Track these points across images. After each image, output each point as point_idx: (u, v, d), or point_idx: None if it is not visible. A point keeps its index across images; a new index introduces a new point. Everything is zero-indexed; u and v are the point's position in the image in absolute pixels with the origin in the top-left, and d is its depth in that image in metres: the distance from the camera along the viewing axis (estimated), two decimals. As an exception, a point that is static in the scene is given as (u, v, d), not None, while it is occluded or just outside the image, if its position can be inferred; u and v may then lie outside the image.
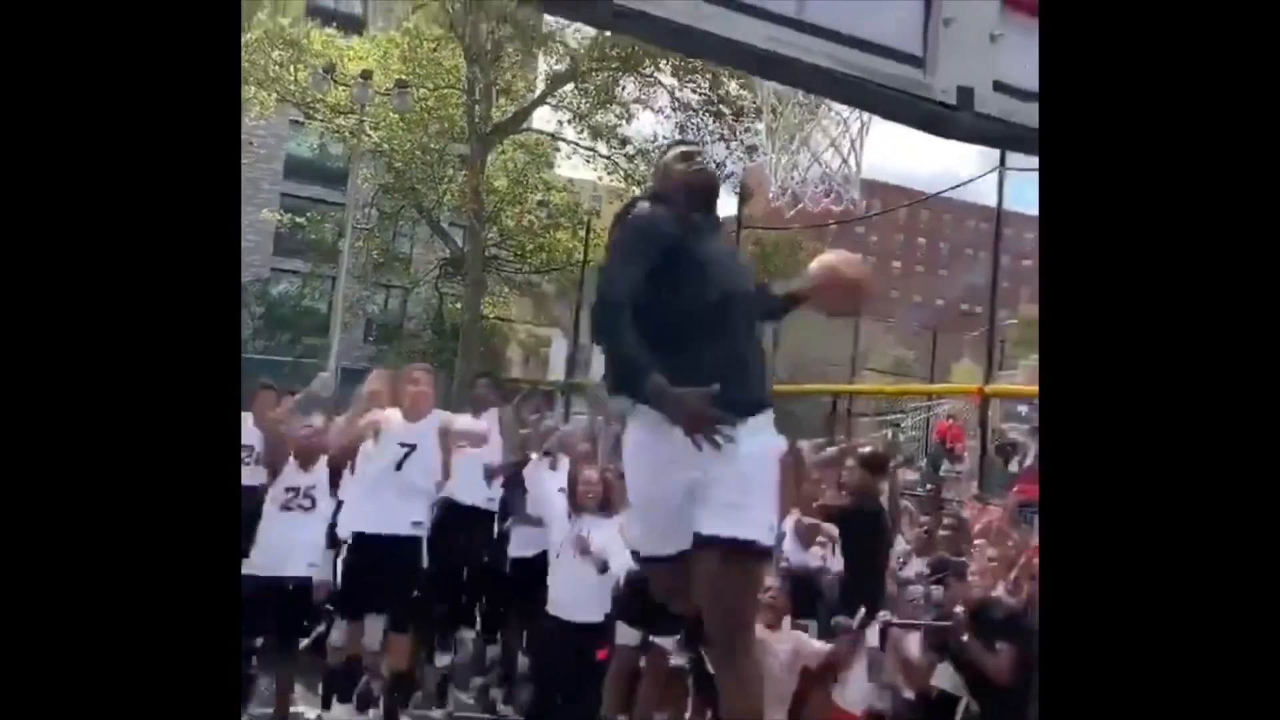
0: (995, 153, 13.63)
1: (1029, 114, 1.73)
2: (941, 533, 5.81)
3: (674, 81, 20.89)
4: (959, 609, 4.62)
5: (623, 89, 21.65)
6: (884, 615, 4.94)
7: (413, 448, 5.67)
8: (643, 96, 21.64)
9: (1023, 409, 17.81)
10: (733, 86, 19.43)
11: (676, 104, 21.19)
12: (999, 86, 1.70)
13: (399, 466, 5.63)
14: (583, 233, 22.10)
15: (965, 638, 4.51)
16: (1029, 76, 1.70)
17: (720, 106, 20.39)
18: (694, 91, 20.86)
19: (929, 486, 11.38)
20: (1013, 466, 15.04)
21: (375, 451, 5.73)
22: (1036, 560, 4.51)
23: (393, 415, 5.79)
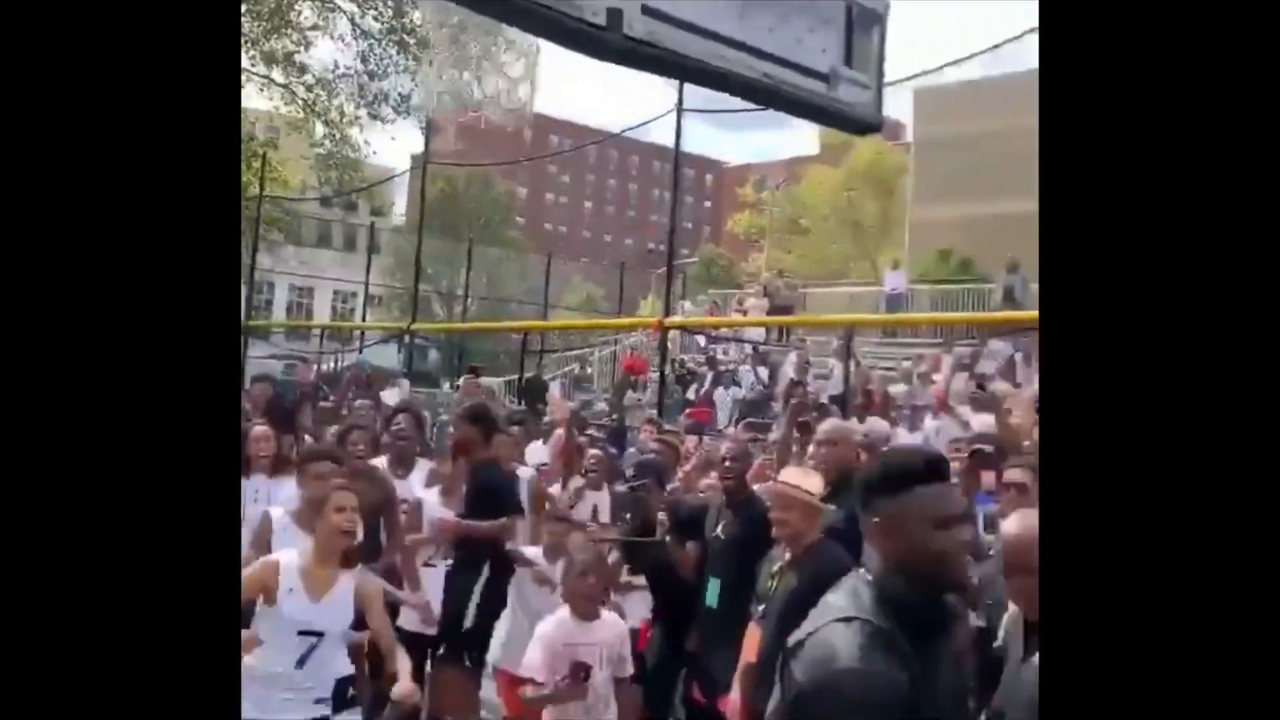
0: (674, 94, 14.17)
1: (675, 39, 1.84)
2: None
3: (354, 8, 20.09)
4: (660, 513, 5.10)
5: (299, 14, 20.56)
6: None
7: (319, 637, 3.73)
8: (321, 22, 20.65)
9: (700, 340, 18.84)
10: (416, 16, 18.93)
11: (358, 32, 20.40)
12: (647, 10, 1.81)
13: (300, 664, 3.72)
14: (257, 165, 20.90)
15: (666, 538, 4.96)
16: (674, 2, 1.81)
17: (404, 36, 19.82)
18: (376, 19, 20.16)
19: (614, 416, 11.85)
20: (690, 393, 15.98)
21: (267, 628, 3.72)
22: (725, 465, 4.96)
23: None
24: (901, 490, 2.01)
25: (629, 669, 4.39)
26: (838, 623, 1.90)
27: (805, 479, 4.15)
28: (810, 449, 5.27)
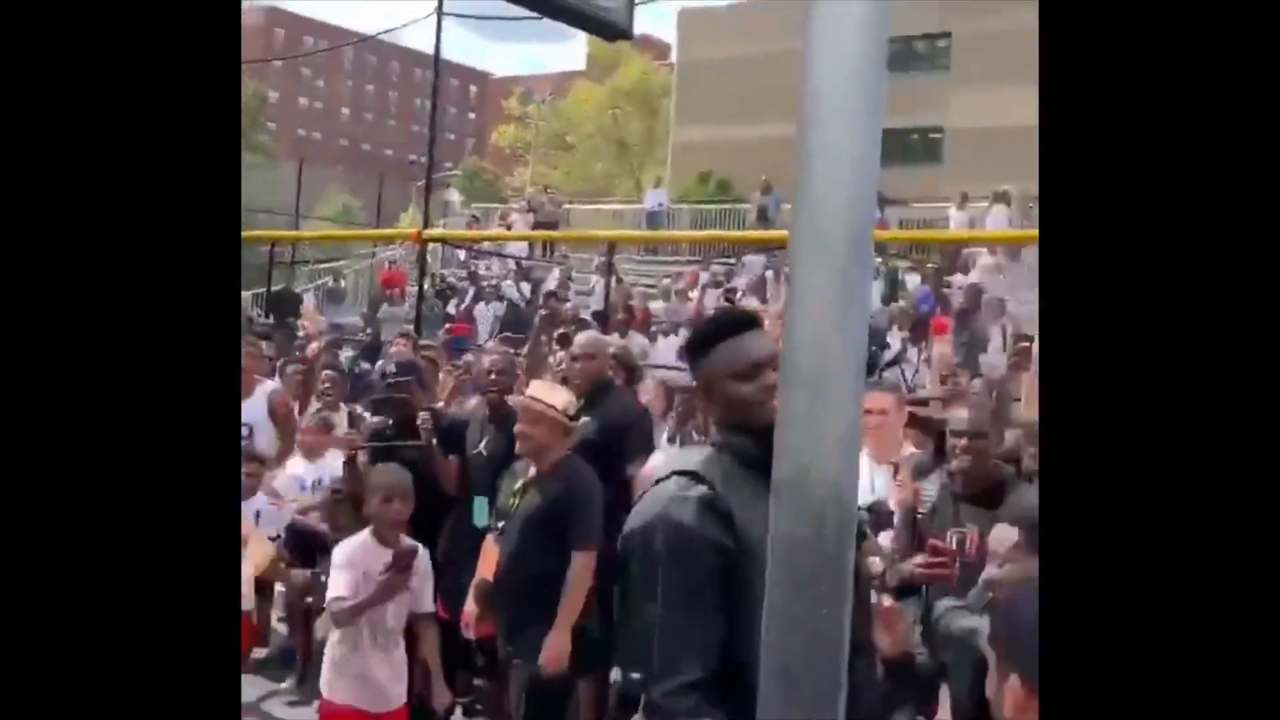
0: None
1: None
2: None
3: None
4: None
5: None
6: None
7: None
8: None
9: (460, 254, 18.52)
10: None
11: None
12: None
13: None
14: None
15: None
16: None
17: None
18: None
19: (369, 331, 11.50)
20: (450, 308, 15.72)
21: None
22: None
23: None
24: (708, 349, 2.11)
25: (429, 605, 4.00)
26: (675, 475, 2.00)
27: (552, 393, 4.03)
28: (565, 363, 5.24)
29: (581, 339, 5.14)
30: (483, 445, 4.77)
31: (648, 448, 4.78)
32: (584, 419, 4.25)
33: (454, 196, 24.64)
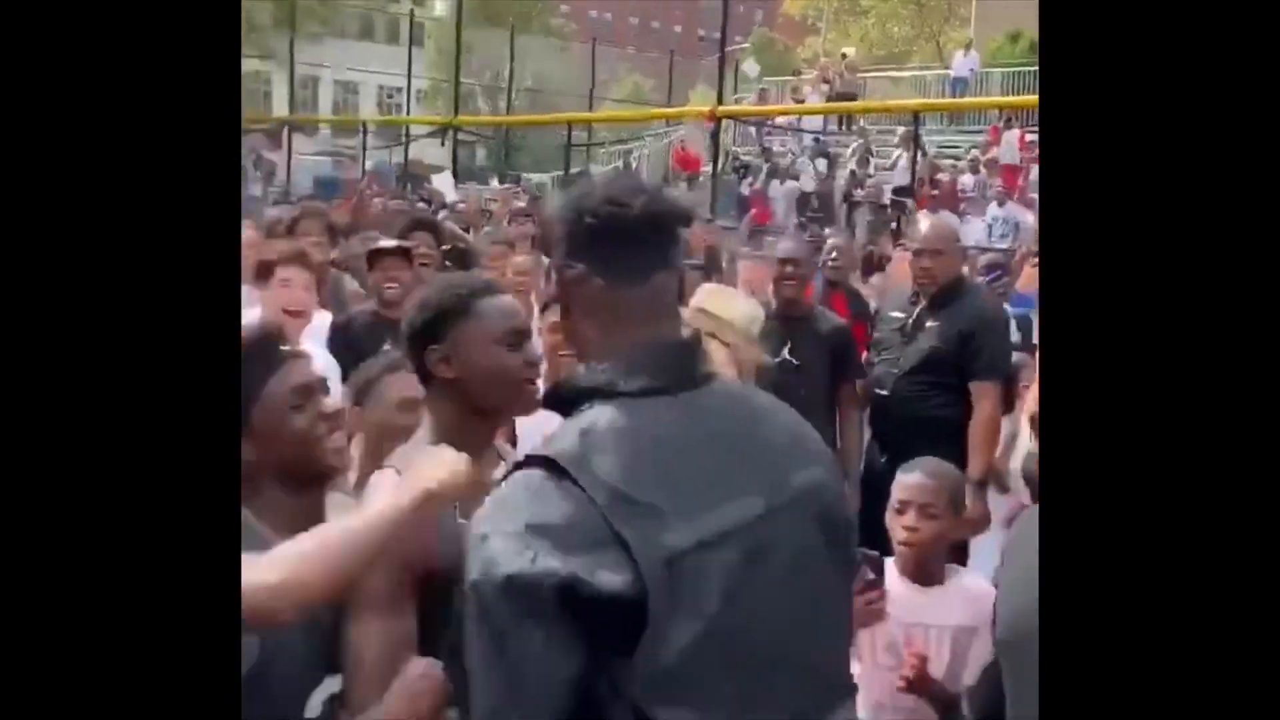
0: None
1: None
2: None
3: None
4: None
5: None
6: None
7: None
8: None
9: (752, 130, 18.01)
10: None
11: None
12: None
13: None
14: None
15: None
16: None
17: None
18: None
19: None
20: (743, 188, 15.36)
21: None
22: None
23: None
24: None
25: None
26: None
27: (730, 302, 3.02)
28: (902, 260, 4.60)
29: (928, 230, 4.05)
30: (786, 352, 3.94)
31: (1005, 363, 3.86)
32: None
33: (752, 70, 23.94)
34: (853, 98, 18.03)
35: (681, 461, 1.25)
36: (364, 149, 20.20)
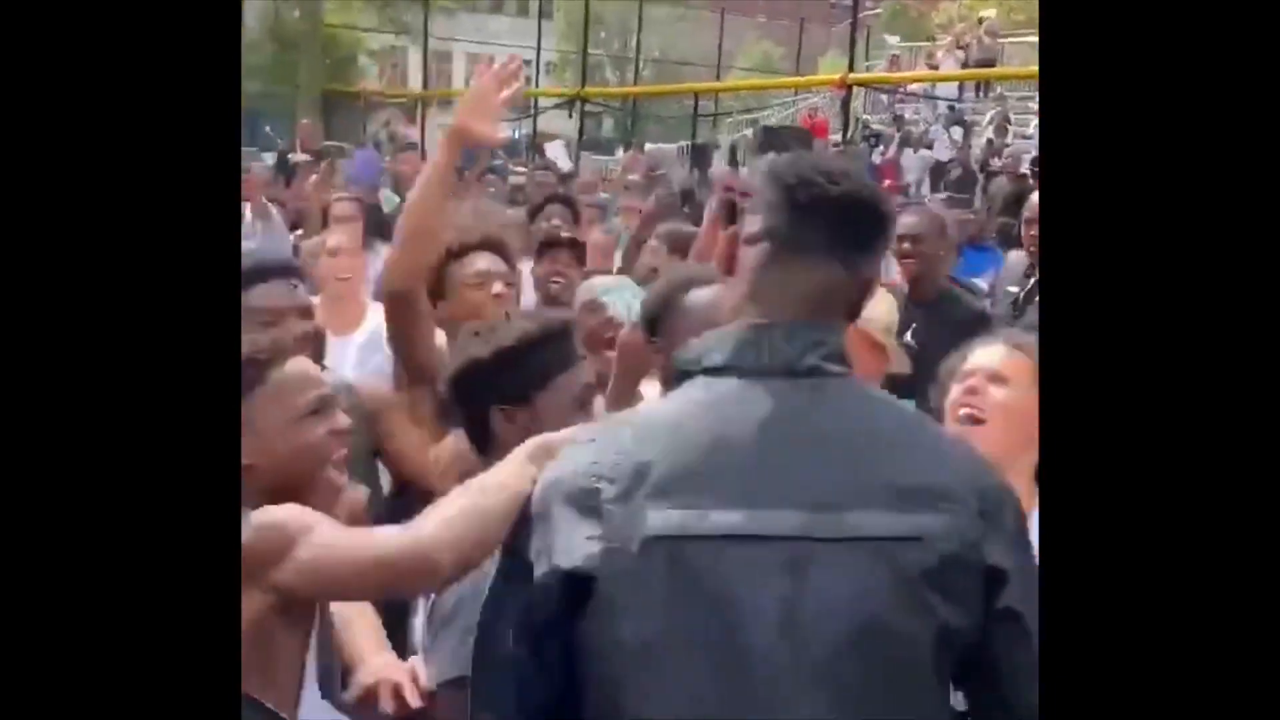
0: None
1: None
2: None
3: None
4: None
5: None
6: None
7: None
8: None
9: (884, 98, 17.54)
10: None
11: None
12: None
13: None
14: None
15: None
16: None
17: None
18: None
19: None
20: (875, 157, 14.98)
21: None
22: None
23: None
24: None
25: None
26: None
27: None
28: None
29: (909, 216, 3.82)
30: (910, 335, 3.51)
31: None
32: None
33: (892, 39, 23.37)
34: (991, 63, 17.35)
35: (730, 448, 1.18)
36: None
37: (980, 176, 12.98)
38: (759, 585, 1.14)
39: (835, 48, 27.02)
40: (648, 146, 15.68)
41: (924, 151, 14.46)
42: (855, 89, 13.76)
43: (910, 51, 21.26)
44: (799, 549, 1.15)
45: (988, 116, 15.11)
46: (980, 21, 20.03)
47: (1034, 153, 12.34)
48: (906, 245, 3.79)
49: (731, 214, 1.48)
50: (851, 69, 13.50)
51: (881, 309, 2.75)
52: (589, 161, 15.29)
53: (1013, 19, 30.87)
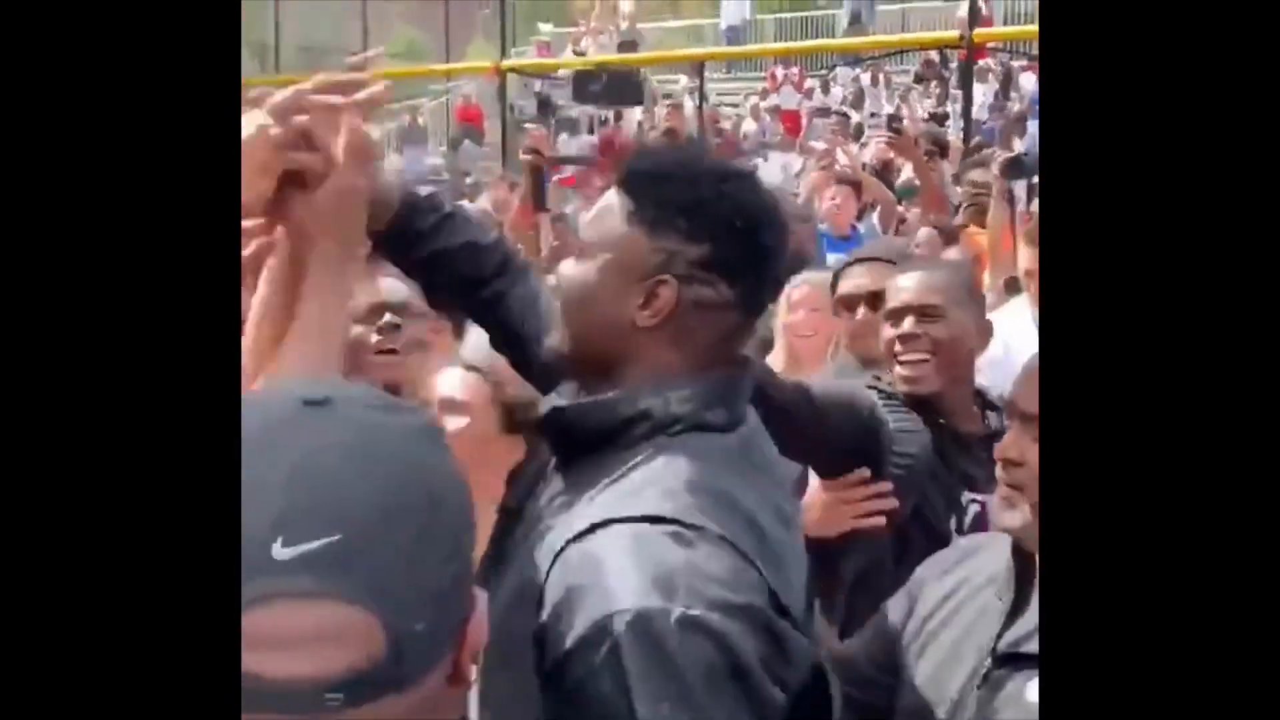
0: None
1: None
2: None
3: None
4: None
5: None
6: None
7: None
8: None
9: (538, 84, 17.83)
10: None
11: None
12: None
13: None
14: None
15: None
16: None
17: None
18: None
19: (446, 173, 11.15)
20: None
21: None
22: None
23: None
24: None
25: None
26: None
27: None
28: None
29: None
30: None
31: None
32: None
33: (545, 26, 23.68)
34: (634, 47, 18.10)
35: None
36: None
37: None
38: None
39: (480, 34, 27.10)
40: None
41: (586, 136, 14.89)
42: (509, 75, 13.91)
43: (556, 38, 21.73)
44: None
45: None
46: (614, 7, 20.83)
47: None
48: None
49: None
50: (503, 55, 13.62)
51: None
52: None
53: (644, 3, 32.29)
